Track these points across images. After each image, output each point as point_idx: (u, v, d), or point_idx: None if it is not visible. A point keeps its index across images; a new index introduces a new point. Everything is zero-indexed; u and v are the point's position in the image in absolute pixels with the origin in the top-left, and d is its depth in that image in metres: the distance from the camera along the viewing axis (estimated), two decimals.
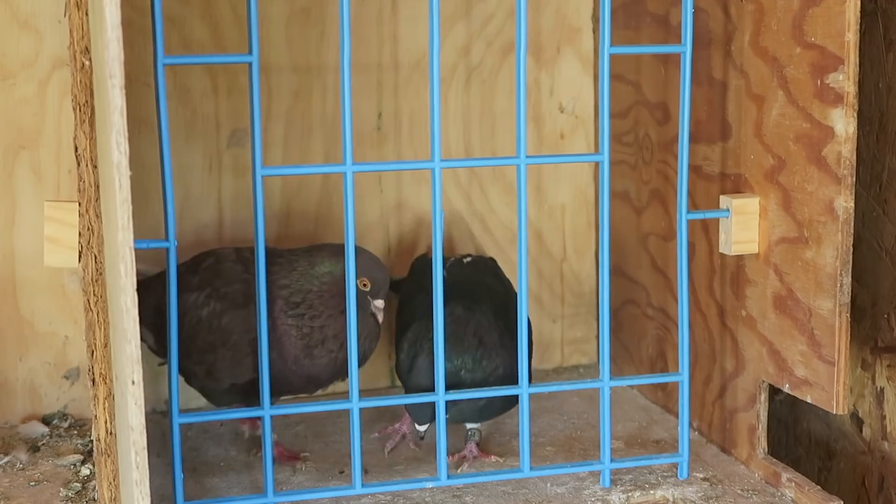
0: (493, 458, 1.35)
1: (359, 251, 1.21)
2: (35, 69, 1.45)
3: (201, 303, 1.29)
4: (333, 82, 1.54)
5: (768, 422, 1.30)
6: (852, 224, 1.14)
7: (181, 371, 1.25)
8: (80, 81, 1.10)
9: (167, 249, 1.11)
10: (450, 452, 1.29)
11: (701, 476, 1.30)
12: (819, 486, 1.23)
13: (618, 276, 1.56)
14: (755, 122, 1.26)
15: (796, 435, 1.59)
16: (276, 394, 1.24)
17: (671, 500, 1.25)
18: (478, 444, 1.36)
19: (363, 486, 1.20)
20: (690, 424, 1.35)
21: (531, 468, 1.24)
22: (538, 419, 1.46)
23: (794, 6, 1.18)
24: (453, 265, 1.45)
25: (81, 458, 1.38)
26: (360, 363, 1.26)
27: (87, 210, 1.13)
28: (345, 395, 1.21)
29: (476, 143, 1.62)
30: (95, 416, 1.14)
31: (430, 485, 1.23)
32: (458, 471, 1.32)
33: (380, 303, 1.30)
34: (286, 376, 1.27)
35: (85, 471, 1.34)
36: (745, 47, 1.26)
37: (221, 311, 1.29)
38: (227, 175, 1.53)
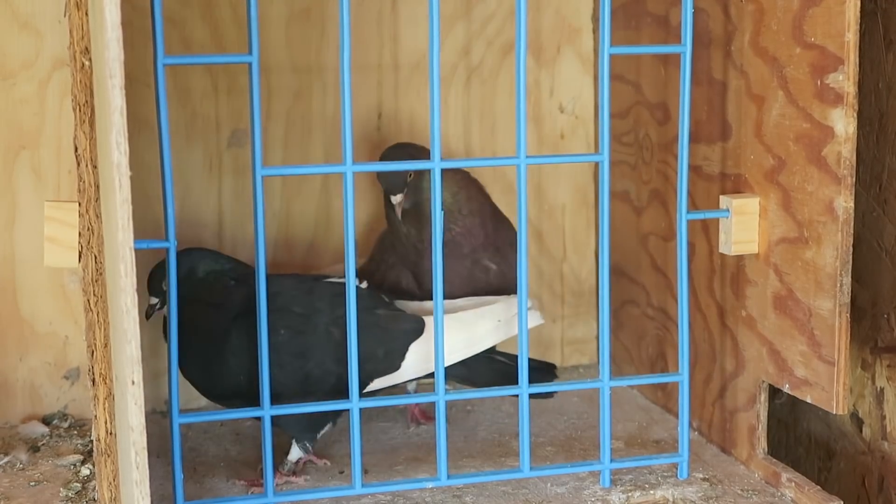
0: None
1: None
2: (35, 69, 1.45)
3: None
4: (333, 82, 1.54)
5: (768, 422, 1.30)
6: (852, 224, 1.14)
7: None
8: (80, 81, 1.10)
9: (167, 249, 1.12)
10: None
11: (701, 476, 1.30)
12: (819, 486, 1.23)
13: (618, 276, 1.56)
14: (755, 122, 1.26)
15: (796, 435, 1.59)
16: None
17: (671, 500, 1.25)
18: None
19: (363, 486, 1.20)
20: (690, 424, 1.36)
21: (531, 468, 1.25)
22: (538, 419, 1.46)
23: (794, 6, 1.18)
24: None
25: (81, 458, 1.38)
26: None
27: (87, 210, 1.13)
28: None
29: (476, 143, 1.62)
30: (95, 416, 1.14)
31: (430, 485, 1.23)
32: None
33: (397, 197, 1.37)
34: None
35: (85, 471, 1.34)
36: (745, 47, 1.26)
37: None
38: (227, 175, 1.53)
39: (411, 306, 1.37)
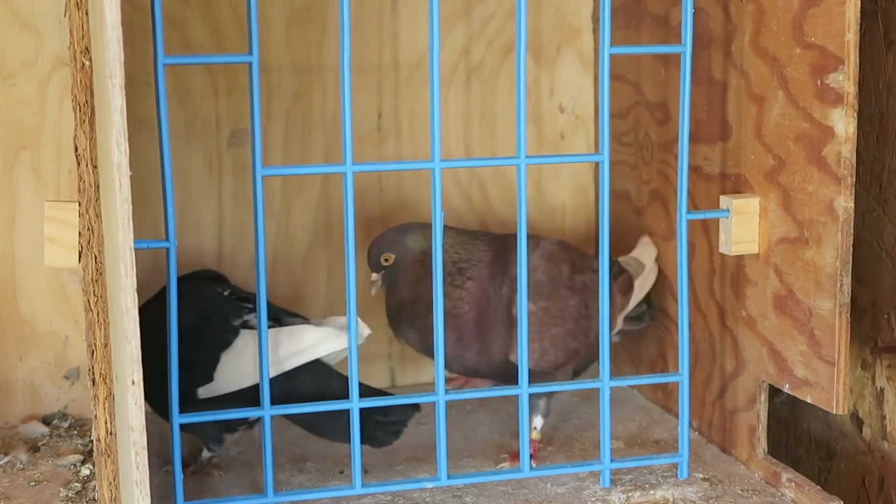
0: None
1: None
2: (35, 69, 1.45)
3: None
4: (333, 82, 1.54)
5: (768, 422, 1.30)
6: (852, 224, 1.14)
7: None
8: (80, 81, 1.10)
9: (167, 249, 1.11)
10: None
11: (701, 476, 1.30)
12: (819, 486, 1.23)
13: None
14: (755, 122, 1.26)
15: (796, 435, 1.59)
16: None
17: (671, 500, 1.25)
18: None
19: (363, 486, 1.20)
20: (690, 424, 1.36)
21: (531, 468, 1.25)
22: None
23: (794, 6, 1.18)
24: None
25: (81, 458, 1.38)
26: None
27: (87, 210, 1.13)
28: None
29: (476, 143, 1.62)
30: (95, 416, 1.14)
31: (430, 485, 1.23)
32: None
33: (372, 276, 1.37)
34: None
35: (85, 471, 1.34)
36: (745, 47, 1.26)
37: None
38: (227, 175, 1.53)
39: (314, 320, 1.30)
